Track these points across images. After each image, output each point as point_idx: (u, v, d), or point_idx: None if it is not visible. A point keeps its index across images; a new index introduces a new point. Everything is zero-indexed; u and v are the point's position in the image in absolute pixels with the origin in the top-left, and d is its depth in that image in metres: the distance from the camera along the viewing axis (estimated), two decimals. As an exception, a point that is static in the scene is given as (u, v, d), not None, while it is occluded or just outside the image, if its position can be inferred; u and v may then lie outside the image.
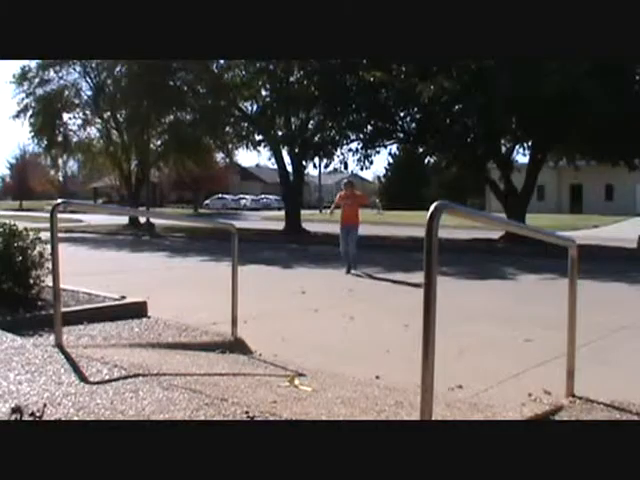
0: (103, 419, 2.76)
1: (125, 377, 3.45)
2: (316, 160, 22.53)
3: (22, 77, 25.58)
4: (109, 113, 26.41)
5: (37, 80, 25.81)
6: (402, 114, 18.87)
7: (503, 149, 19.29)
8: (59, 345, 4.12)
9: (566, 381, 3.66)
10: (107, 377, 3.47)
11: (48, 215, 4.48)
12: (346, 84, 17.78)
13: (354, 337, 5.75)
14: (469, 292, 8.80)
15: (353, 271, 10.69)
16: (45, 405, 2.86)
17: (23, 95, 25.87)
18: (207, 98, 23.15)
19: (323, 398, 3.37)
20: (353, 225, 11.02)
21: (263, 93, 22.32)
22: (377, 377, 4.27)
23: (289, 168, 22.73)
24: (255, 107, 23.25)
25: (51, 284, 4.46)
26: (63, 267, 4.26)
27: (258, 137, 23.08)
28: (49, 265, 5.05)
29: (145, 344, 4.59)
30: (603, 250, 14.62)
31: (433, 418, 2.32)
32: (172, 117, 25.24)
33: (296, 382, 3.69)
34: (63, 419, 2.74)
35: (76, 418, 2.76)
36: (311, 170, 38.84)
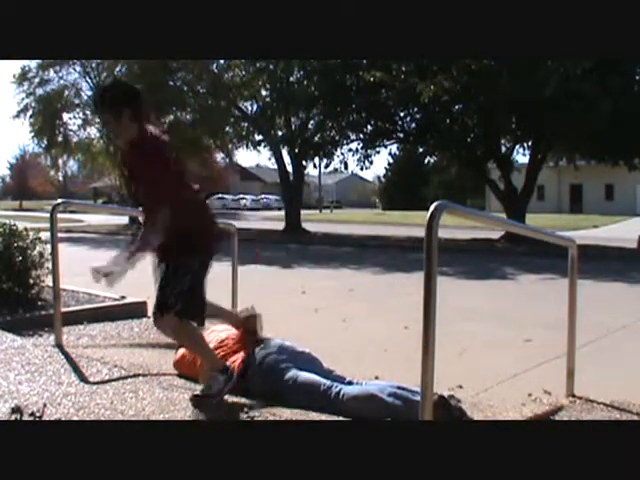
0: (103, 419, 2.77)
1: (125, 377, 3.45)
2: (316, 160, 22.56)
3: (22, 77, 25.53)
4: (109, 113, 26.33)
5: (37, 80, 25.76)
6: (402, 114, 18.87)
7: (503, 149, 19.27)
8: (59, 345, 4.13)
9: (566, 381, 3.66)
10: (107, 377, 3.47)
11: (48, 215, 4.49)
12: (346, 84, 17.77)
13: (354, 337, 5.75)
14: (469, 292, 8.79)
15: None
16: (45, 405, 2.87)
17: (23, 95, 25.84)
18: (207, 98, 23.15)
19: (323, 398, 3.36)
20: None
21: (263, 93, 22.33)
22: (377, 377, 4.26)
23: (289, 168, 22.72)
24: (255, 107, 23.26)
25: (51, 284, 4.46)
26: (63, 267, 4.27)
27: (258, 137, 23.09)
28: (49, 265, 5.05)
29: (145, 344, 4.59)
30: (603, 250, 14.60)
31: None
32: (172, 117, 25.23)
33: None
34: (63, 419, 2.74)
35: (76, 418, 2.76)
36: (311, 170, 38.85)
